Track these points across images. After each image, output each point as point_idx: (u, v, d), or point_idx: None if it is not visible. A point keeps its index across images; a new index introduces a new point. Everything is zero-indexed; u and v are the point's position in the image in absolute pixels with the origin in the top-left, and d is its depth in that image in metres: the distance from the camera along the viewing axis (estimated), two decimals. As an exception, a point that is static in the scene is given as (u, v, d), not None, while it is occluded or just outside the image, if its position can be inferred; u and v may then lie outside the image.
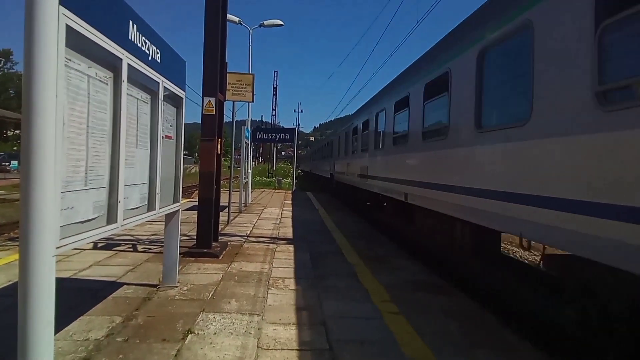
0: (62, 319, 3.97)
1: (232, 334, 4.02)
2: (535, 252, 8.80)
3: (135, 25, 3.84)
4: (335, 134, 21.99)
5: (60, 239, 2.63)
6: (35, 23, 2.40)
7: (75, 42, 2.82)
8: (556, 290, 4.64)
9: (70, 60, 2.84)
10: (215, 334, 4.00)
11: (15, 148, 49.17)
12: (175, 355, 3.51)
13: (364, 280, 6.18)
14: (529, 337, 4.38)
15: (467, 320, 4.67)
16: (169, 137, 5.27)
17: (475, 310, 5.07)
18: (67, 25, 2.62)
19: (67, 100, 2.82)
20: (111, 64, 3.51)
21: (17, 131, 56.94)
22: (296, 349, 3.76)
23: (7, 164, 36.05)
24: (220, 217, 9.12)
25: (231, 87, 11.62)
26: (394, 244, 9.43)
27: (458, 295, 5.67)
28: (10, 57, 64.26)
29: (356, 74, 40.18)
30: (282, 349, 3.75)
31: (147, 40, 4.18)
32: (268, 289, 5.56)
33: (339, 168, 19.40)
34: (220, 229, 9.04)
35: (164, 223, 5.57)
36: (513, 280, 5.67)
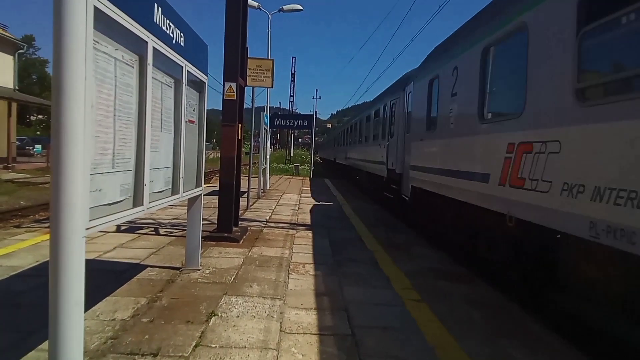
0: (89, 299, 4.00)
1: (254, 317, 4.05)
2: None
3: (160, 8, 3.82)
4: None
5: (90, 220, 2.66)
6: (63, 5, 2.39)
7: (102, 24, 2.81)
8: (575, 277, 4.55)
9: (97, 42, 2.83)
10: (238, 317, 4.04)
11: (38, 132, 50.19)
12: (200, 337, 3.56)
13: (385, 267, 6.16)
14: (553, 326, 4.32)
15: (490, 309, 4.63)
16: (192, 122, 5.28)
17: (498, 299, 5.02)
18: (95, 7, 2.61)
19: (95, 82, 2.82)
20: (137, 47, 3.50)
21: (40, 116, 58.09)
22: (318, 334, 3.77)
23: (30, 148, 36.82)
24: (240, 203, 9.17)
25: (251, 72, 11.58)
26: (414, 232, 9.36)
27: (480, 283, 5.61)
28: (33, 42, 65.20)
29: (375, 60, 39.79)
30: (304, 333, 3.76)
31: (171, 24, 4.17)
32: (289, 273, 5.59)
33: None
34: (240, 214, 9.09)
35: (185, 207, 5.62)
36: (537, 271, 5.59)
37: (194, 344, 3.43)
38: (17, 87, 26.84)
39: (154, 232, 7.89)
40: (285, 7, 20.55)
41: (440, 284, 5.45)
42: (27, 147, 36.09)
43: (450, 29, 8.80)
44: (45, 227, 7.64)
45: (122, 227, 7.95)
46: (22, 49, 29.32)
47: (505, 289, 5.51)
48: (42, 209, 12.04)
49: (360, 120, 20.34)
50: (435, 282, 5.55)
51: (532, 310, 4.76)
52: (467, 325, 4.16)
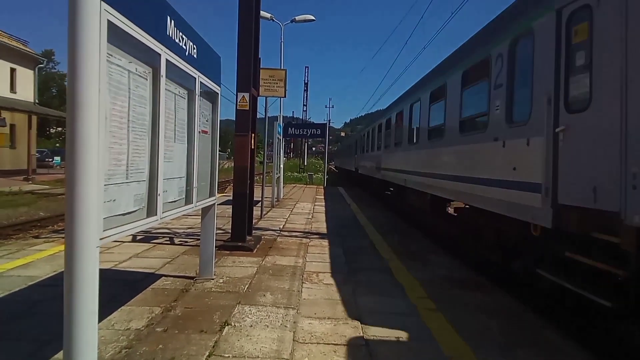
0: (104, 309, 4.07)
1: (268, 326, 4.04)
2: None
3: (173, 21, 3.88)
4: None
5: (104, 230, 2.69)
6: (78, 19, 2.45)
7: (116, 38, 2.86)
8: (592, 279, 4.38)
9: (111, 55, 2.89)
10: (251, 326, 4.03)
11: (57, 145, 51.20)
12: (213, 347, 3.56)
13: (399, 275, 6.11)
14: (572, 336, 4.21)
15: (506, 318, 4.54)
16: (205, 132, 5.33)
17: (515, 308, 4.92)
18: (108, 20, 2.66)
19: (109, 95, 2.87)
20: (150, 59, 3.56)
21: (59, 129, 59.29)
22: (332, 344, 3.74)
23: (50, 159, 37.53)
24: (254, 212, 9.20)
25: (264, 82, 11.66)
26: (428, 240, 9.28)
27: (497, 292, 5.52)
28: (52, 57, 66.82)
29: (388, 69, 39.66)
30: (318, 343, 3.74)
31: (184, 36, 4.23)
32: (302, 283, 5.57)
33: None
34: (253, 223, 9.12)
35: (199, 217, 5.66)
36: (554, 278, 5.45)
37: (207, 353, 3.43)
38: (37, 101, 27.52)
39: (169, 242, 7.95)
40: (297, 18, 20.75)
41: (455, 293, 5.37)
42: (46, 159, 36.80)
43: (463, 36, 8.77)
44: (63, 238, 7.75)
45: (138, 237, 8.04)
46: (42, 63, 30.11)
47: (522, 297, 5.40)
48: (61, 219, 12.23)
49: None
50: (450, 290, 5.47)
51: (549, 320, 4.65)
52: (484, 334, 4.09)
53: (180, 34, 4.12)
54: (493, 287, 5.72)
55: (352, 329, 4.10)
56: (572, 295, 4.61)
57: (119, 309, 4.33)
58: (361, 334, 3.98)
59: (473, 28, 8.21)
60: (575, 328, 4.70)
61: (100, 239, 2.63)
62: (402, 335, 3.99)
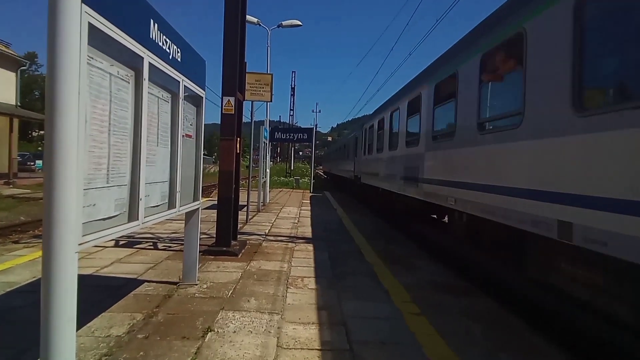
0: (84, 316, 4.02)
1: (251, 332, 4.01)
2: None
3: (156, 24, 3.85)
4: None
5: (83, 236, 2.64)
6: (58, 21, 2.41)
7: (97, 40, 2.83)
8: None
9: (92, 58, 2.85)
10: (235, 332, 3.99)
11: (40, 148, 50.39)
12: (195, 353, 3.51)
13: (384, 280, 6.11)
14: (555, 340, 4.26)
15: (490, 323, 4.57)
16: (189, 136, 5.29)
17: (499, 313, 4.96)
18: (89, 23, 2.63)
19: (90, 98, 2.83)
20: (132, 62, 3.52)
21: (42, 132, 58.38)
22: (316, 349, 3.72)
23: (32, 163, 36.90)
24: (239, 216, 9.15)
25: (250, 87, 11.65)
26: (413, 244, 9.31)
27: (480, 296, 5.56)
28: (35, 59, 65.84)
29: (374, 74, 39.84)
30: (302, 349, 3.71)
31: (167, 39, 4.20)
32: (287, 288, 5.54)
33: None
34: (239, 227, 9.06)
35: (183, 221, 5.60)
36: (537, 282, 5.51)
37: (189, 360, 3.39)
38: (19, 104, 27.01)
39: (152, 247, 7.85)
40: (284, 23, 20.76)
41: (439, 297, 5.39)
42: (28, 163, 36.19)
43: (447, 42, 8.84)
44: (44, 243, 7.60)
45: (121, 242, 7.92)
46: (24, 65, 29.59)
47: (506, 301, 5.45)
48: (42, 224, 12.01)
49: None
50: (434, 295, 5.49)
51: (532, 323, 4.69)
52: (467, 338, 4.10)
53: (164, 37, 4.09)
54: (477, 292, 5.75)
55: (337, 334, 4.09)
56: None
57: (100, 316, 4.25)
58: (345, 339, 3.96)
59: (459, 34, 8.30)
60: (556, 330, 4.75)
61: (79, 244, 2.59)
62: (386, 339, 3.99)
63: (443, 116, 7.65)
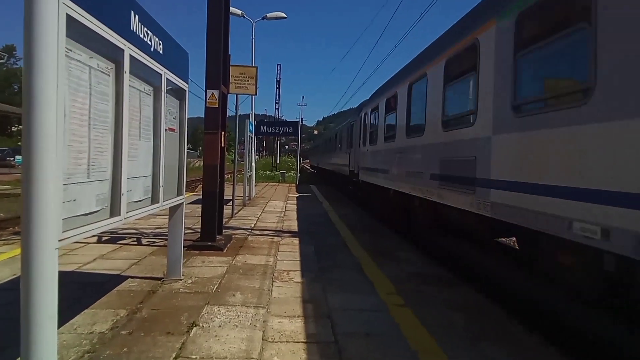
0: (67, 313, 3.97)
1: (237, 326, 4.00)
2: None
3: (137, 16, 3.79)
4: None
5: (63, 232, 2.60)
6: (34, 12, 2.36)
7: (76, 32, 2.77)
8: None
9: (70, 50, 2.79)
10: (220, 326, 3.98)
11: (19, 143, 49.39)
12: (180, 348, 3.50)
13: (369, 272, 6.15)
14: (535, 329, 4.34)
15: (472, 313, 4.64)
16: (172, 130, 5.23)
17: (481, 303, 5.03)
18: (67, 14, 2.57)
19: (68, 91, 2.78)
20: (113, 55, 3.46)
21: (21, 127, 57.29)
22: (302, 342, 3.74)
23: (11, 159, 36.15)
24: (225, 211, 9.10)
25: (234, 79, 11.54)
26: (399, 238, 9.38)
27: (464, 287, 5.63)
28: (14, 52, 64.31)
29: (359, 68, 39.79)
30: (287, 342, 3.72)
31: (149, 31, 4.13)
32: (273, 281, 5.54)
33: None
34: (224, 222, 9.02)
35: (167, 216, 5.55)
36: (517, 272, 5.60)
37: (173, 355, 3.37)
38: (-4, 97, 26.40)
39: (136, 242, 7.77)
40: (269, 15, 20.59)
41: (423, 289, 5.45)
42: (7, 158, 35.46)
43: (433, 34, 8.89)
44: (24, 239, 7.47)
45: (103, 238, 7.83)
46: (2, 59, 28.93)
47: (489, 292, 5.53)
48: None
49: None
50: (419, 286, 5.55)
51: (514, 313, 4.78)
52: (450, 329, 4.16)
53: (145, 29, 4.02)
54: (460, 283, 5.83)
55: (322, 326, 4.11)
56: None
57: (82, 313, 4.20)
58: (331, 331, 3.98)
59: (444, 25, 8.30)
60: (537, 319, 4.84)
61: (59, 240, 2.55)
62: (371, 331, 4.02)
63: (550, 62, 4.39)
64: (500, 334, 4.09)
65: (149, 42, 4.17)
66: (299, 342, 3.74)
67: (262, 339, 3.75)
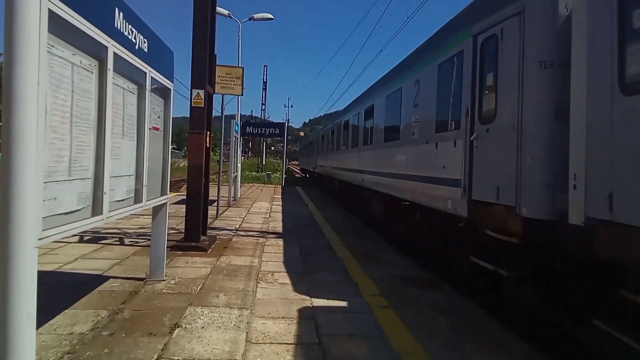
0: (46, 313, 3.89)
1: (220, 327, 3.97)
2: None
3: (121, 13, 3.75)
4: None
5: (43, 230, 2.55)
6: (16, 7, 2.32)
7: (58, 28, 2.73)
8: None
9: (53, 46, 2.75)
10: (203, 327, 3.95)
11: (-1, 140, 48.39)
12: (162, 349, 3.46)
13: (354, 274, 6.16)
14: (517, 331, 4.39)
15: (456, 315, 4.67)
16: (157, 129, 5.18)
17: (464, 305, 5.08)
18: (49, 10, 2.53)
19: (50, 88, 2.73)
20: (96, 52, 3.41)
21: (0, 123, 56.07)
22: (286, 343, 3.73)
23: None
24: (209, 211, 9.04)
25: (220, 80, 11.47)
26: (383, 239, 9.42)
27: (447, 289, 5.68)
28: (-5, 47, 63.12)
29: (345, 71, 39.85)
30: (271, 343, 3.71)
31: (133, 29, 4.09)
32: (257, 282, 5.52)
33: None
34: (209, 223, 8.96)
35: (151, 216, 5.49)
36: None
37: (155, 356, 3.33)
38: (-24, 93, 25.86)
39: (118, 242, 7.67)
40: (255, 16, 20.52)
41: (407, 290, 5.48)
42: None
43: (419, 38, 8.96)
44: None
45: (85, 237, 7.71)
46: (-18, 53, 28.36)
47: (472, 294, 5.59)
48: None
49: None
50: (402, 288, 5.58)
51: (496, 315, 4.83)
52: (433, 331, 4.19)
53: (130, 26, 3.98)
54: (443, 285, 5.88)
55: (306, 328, 4.10)
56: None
57: (62, 313, 4.12)
58: (315, 333, 3.98)
59: (433, 25, 8.36)
60: (519, 322, 4.90)
61: (39, 239, 2.50)
62: (355, 332, 4.03)
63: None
64: (483, 336, 4.13)
65: (134, 40, 4.12)
66: (282, 343, 3.73)
67: (246, 340, 3.73)
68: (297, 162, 64.41)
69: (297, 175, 45.78)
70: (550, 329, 4.59)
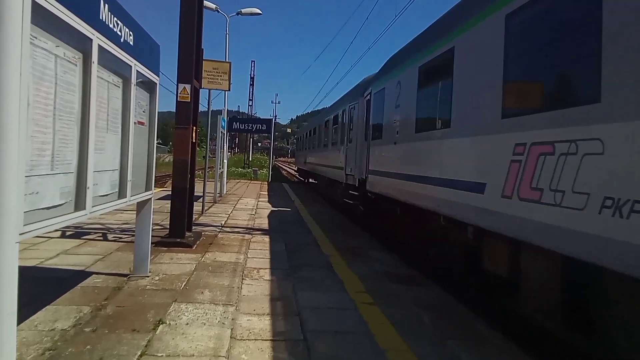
0: (27, 309, 3.83)
1: (204, 324, 3.96)
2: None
3: (106, 5, 3.68)
4: None
5: (24, 225, 2.50)
6: (-3, -4, 2.26)
7: (41, 19, 2.67)
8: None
9: (36, 38, 2.69)
10: (187, 324, 3.93)
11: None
12: (146, 346, 3.43)
13: (339, 271, 6.19)
14: (500, 328, 4.46)
15: (439, 311, 4.73)
16: (142, 123, 5.11)
17: (448, 302, 5.14)
18: (33, 0, 2.48)
19: (33, 80, 2.68)
20: (81, 44, 3.35)
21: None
22: (270, 339, 3.73)
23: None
24: (195, 207, 8.97)
25: (207, 74, 11.41)
26: (370, 236, 9.47)
27: (431, 286, 5.73)
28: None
29: (333, 68, 39.88)
30: (256, 340, 3.71)
31: (119, 22, 4.03)
32: (242, 279, 5.50)
33: None
34: (194, 219, 8.89)
35: (135, 212, 5.43)
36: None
37: (139, 353, 3.30)
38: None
39: (101, 238, 7.57)
40: (243, 10, 20.37)
41: (392, 287, 5.52)
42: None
43: (406, 36, 8.98)
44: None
45: (68, 232, 7.59)
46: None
47: (456, 291, 5.65)
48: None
49: None
50: (387, 285, 5.62)
51: (480, 312, 4.89)
52: (418, 327, 4.23)
53: (115, 19, 3.92)
54: (428, 282, 5.93)
55: (291, 324, 4.11)
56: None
57: (44, 309, 4.06)
58: (300, 329, 3.99)
59: (419, 24, 8.42)
60: (502, 321, 4.97)
61: (20, 233, 2.45)
62: (340, 329, 4.05)
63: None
64: (466, 333, 4.18)
65: (119, 33, 4.06)
66: (267, 339, 3.73)
67: (231, 337, 3.72)
68: (287, 159, 63.55)
69: (294, 179, 35.21)
70: (527, 325, 4.67)
